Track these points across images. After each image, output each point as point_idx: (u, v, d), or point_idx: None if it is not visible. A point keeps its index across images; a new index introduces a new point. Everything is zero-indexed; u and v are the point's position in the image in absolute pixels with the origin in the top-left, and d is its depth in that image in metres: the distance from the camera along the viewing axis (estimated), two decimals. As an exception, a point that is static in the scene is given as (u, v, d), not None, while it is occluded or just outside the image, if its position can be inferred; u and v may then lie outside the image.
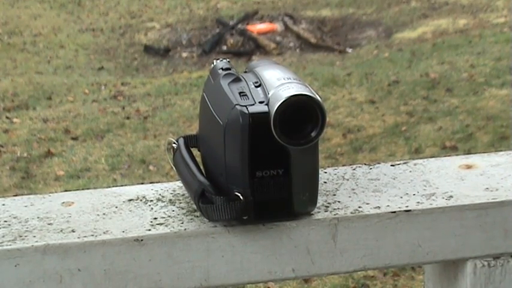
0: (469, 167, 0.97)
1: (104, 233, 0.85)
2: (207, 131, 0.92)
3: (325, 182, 0.95)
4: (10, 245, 0.83)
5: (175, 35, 10.73)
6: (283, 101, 0.81)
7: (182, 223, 0.87)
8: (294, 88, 0.83)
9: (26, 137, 6.16)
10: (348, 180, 0.95)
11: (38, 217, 0.89)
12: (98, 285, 0.84)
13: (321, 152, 6.12)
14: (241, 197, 0.83)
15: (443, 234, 0.88)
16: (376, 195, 0.91)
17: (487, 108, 5.99)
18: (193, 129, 6.19)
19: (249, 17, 10.88)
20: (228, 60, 0.96)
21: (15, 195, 0.93)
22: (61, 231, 0.86)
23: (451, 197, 0.89)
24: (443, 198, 0.89)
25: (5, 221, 0.88)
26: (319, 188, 0.88)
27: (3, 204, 0.93)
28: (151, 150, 5.77)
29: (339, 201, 0.90)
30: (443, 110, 6.08)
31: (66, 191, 1.01)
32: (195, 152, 0.97)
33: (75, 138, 6.12)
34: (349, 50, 9.34)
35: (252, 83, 0.88)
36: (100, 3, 13.19)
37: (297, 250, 0.86)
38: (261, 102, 0.84)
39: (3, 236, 0.85)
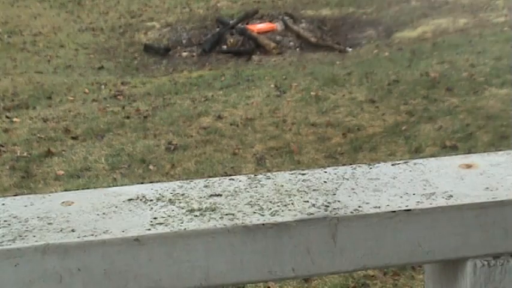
0: (469, 166, 0.97)
1: (104, 232, 0.85)
2: None
3: (325, 182, 0.95)
4: (10, 244, 0.83)
5: (175, 35, 10.73)
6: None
7: (182, 223, 0.86)
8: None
9: (26, 137, 6.16)
10: (347, 179, 0.95)
11: (37, 217, 0.89)
12: (98, 285, 0.84)
13: (321, 151, 6.09)
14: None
15: (443, 234, 0.88)
16: (376, 194, 0.91)
17: (487, 107, 5.99)
18: (193, 128, 6.19)
19: (249, 16, 10.88)
20: None
21: (15, 195, 0.93)
22: (61, 230, 0.86)
23: (451, 196, 0.89)
24: (443, 197, 0.89)
25: (5, 221, 0.88)
26: (319, 187, 0.88)
27: (3, 204, 0.93)
28: (151, 150, 5.77)
29: (338, 201, 0.90)
30: (444, 110, 6.08)
31: (66, 190, 1.01)
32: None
33: (75, 138, 6.12)
34: (349, 50, 9.33)
35: None
36: (100, 2, 13.19)
37: (297, 250, 0.86)
38: None
39: (3, 236, 0.85)
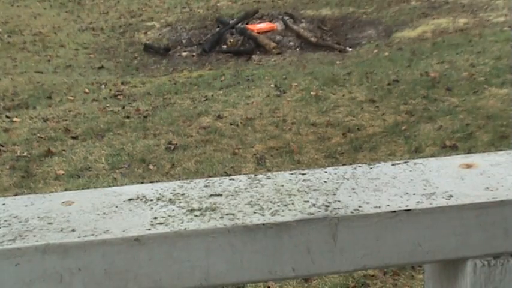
0: (469, 166, 0.97)
1: (104, 232, 0.85)
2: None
3: (325, 182, 0.95)
4: (10, 244, 0.83)
5: (175, 34, 10.73)
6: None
7: (182, 223, 0.86)
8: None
9: (26, 136, 6.16)
10: (348, 179, 0.95)
11: (38, 217, 0.89)
12: (98, 285, 0.84)
13: (321, 151, 6.07)
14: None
15: (444, 234, 0.88)
16: (376, 194, 0.91)
17: (487, 107, 5.99)
18: (193, 128, 6.19)
19: (249, 16, 10.88)
20: None
21: (15, 195, 0.93)
22: (61, 230, 0.86)
23: (451, 196, 0.89)
24: (443, 197, 0.89)
25: (5, 221, 0.88)
26: (319, 187, 0.88)
27: (4, 204, 0.93)
28: (151, 150, 5.77)
29: (339, 201, 0.90)
30: (444, 109, 6.07)
31: (66, 190, 1.01)
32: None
33: (75, 138, 6.12)
34: (349, 49, 9.33)
35: None
36: (100, 2, 13.19)
37: (297, 249, 0.86)
38: None
39: (3, 236, 0.85)
